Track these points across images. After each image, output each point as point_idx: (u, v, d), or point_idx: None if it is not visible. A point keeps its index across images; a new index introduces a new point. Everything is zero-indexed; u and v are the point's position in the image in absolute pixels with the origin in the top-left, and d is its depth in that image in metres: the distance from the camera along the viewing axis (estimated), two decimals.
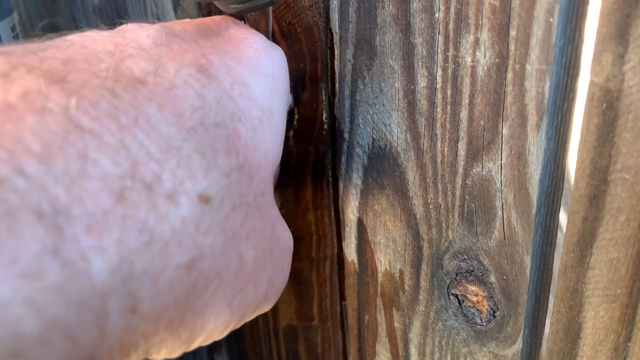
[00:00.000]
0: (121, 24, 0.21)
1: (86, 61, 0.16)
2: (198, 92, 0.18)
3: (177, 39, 0.19)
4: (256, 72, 0.21)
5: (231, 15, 0.26)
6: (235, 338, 0.49)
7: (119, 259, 0.14)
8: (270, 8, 0.28)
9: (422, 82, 0.25)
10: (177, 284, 0.16)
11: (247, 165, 0.19)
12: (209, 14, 0.34)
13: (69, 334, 0.13)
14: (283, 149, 0.34)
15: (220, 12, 0.34)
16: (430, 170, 0.27)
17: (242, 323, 0.22)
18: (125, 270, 0.14)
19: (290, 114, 0.33)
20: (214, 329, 0.19)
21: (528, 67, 0.21)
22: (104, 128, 0.15)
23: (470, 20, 0.22)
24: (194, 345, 0.20)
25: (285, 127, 0.23)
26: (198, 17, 0.36)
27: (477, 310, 0.27)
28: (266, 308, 0.22)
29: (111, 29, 0.20)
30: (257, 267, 0.20)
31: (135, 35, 0.19)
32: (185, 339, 0.18)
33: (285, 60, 0.23)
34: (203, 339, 0.20)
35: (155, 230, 0.15)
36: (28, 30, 0.56)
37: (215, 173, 0.17)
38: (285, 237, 0.22)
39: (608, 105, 0.19)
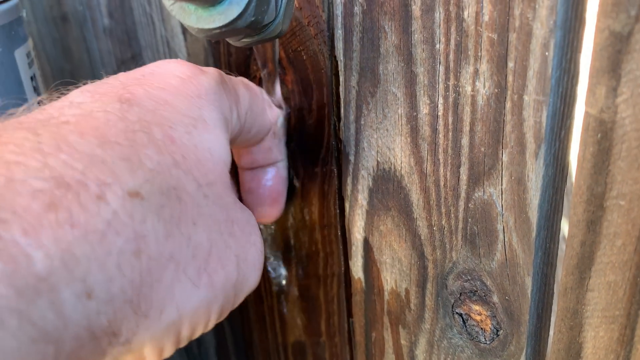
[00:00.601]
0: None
1: (18, 121, 0.19)
2: (119, 117, 0.20)
3: (105, 86, 0.22)
4: (181, 94, 0.23)
5: (240, 47, 0.27)
6: (245, 353, 0.50)
7: (59, 251, 0.16)
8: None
9: (424, 109, 0.26)
10: (128, 268, 0.18)
11: (185, 161, 0.21)
12: (217, 44, 0.35)
13: (26, 318, 0.15)
14: (292, 170, 0.35)
15: (229, 44, 0.35)
16: (433, 194, 0.27)
17: (231, 303, 0.23)
18: (68, 260, 0.17)
19: (288, 135, 0.34)
20: (194, 311, 0.21)
21: (526, 97, 0.22)
22: (29, 157, 0.18)
23: (469, 52, 0.23)
24: (184, 334, 0.21)
25: (227, 124, 0.25)
26: (206, 42, 0.37)
27: (481, 329, 0.28)
28: (250, 283, 0.24)
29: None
30: (217, 247, 0.22)
31: (69, 94, 0.22)
32: (164, 323, 0.20)
33: (218, 82, 0.25)
34: (191, 324, 0.21)
35: (89, 224, 0.17)
36: (41, 54, 0.58)
37: (141, 172, 0.19)
38: (243, 217, 0.24)
39: (603, 135, 0.20)
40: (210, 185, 0.22)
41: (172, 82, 0.24)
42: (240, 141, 0.29)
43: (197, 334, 0.22)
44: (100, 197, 0.18)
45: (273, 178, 0.33)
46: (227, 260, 0.22)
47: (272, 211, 0.34)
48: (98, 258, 0.17)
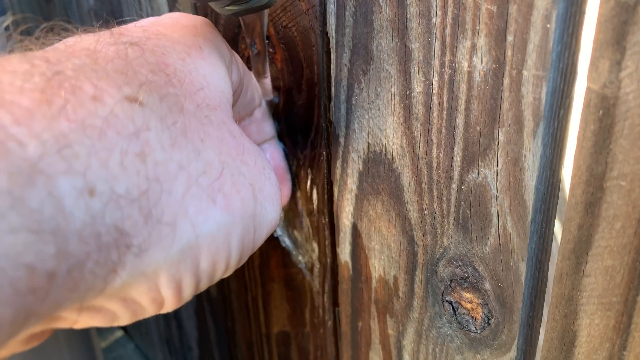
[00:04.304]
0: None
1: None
2: (110, 42, 0.20)
3: (106, 32, 0.22)
4: (174, 27, 0.24)
5: (227, 18, 0.26)
6: (228, 345, 0.49)
7: (54, 139, 0.16)
8: (266, 11, 0.27)
9: (418, 87, 0.25)
10: (133, 170, 0.18)
11: (180, 84, 0.21)
12: (205, 17, 0.34)
13: (19, 200, 0.15)
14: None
15: (217, 16, 0.34)
16: (425, 176, 0.26)
17: (251, 238, 0.22)
18: (64, 150, 0.16)
19: (277, 117, 0.33)
20: (212, 235, 0.20)
21: (525, 73, 0.21)
22: (17, 67, 0.17)
23: (467, 26, 0.22)
24: (203, 265, 0.20)
25: (225, 63, 0.25)
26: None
27: (472, 317, 0.27)
28: (270, 219, 0.23)
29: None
30: (229, 169, 0.21)
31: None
32: (179, 243, 0.19)
33: (214, 26, 0.26)
34: (210, 253, 0.20)
35: (87, 120, 0.17)
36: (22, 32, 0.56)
37: (137, 82, 0.19)
38: (253, 148, 0.24)
39: (604, 112, 0.19)
40: (211, 109, 0.22)
41: (164, 21, 0.24)
42: (239, 106, 0.28)
43: (218, 273, 0.21)
44: (96, 97, 0.18)
45: (272, 155, 0.32)
46: (242, 187, 0.22)
47: (284, 190, 0.33)
48: (98, 154, 0.17)
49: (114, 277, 0.17)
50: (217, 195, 0.20)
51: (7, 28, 0.36)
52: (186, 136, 0.20)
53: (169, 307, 0.21)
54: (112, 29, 0.22)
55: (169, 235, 0.19)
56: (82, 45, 0.20)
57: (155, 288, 0.19)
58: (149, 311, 0.20)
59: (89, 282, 0.17)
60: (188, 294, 0.21)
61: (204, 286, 0.21)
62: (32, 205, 0.15)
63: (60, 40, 0.21)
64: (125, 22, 0.47)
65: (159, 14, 0.40)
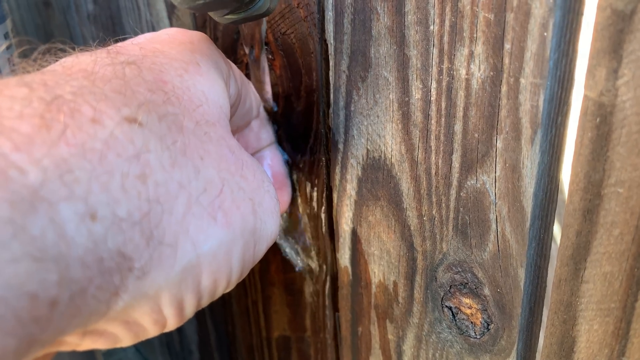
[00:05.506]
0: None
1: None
2: (107, 62, 0.20)
3: (103, 51, 0.22)
4: (171, 43, 0.24)
5: (226, 25, 0.27)
6: (228, 349, 0.49)
7: (54, 165, 0.16)
8: (265, 19, 0.28)
9: (416, 94, 0.25)
10: (134, 192, 0.17)
11: (179, 101, 0.21)
12: (203, 23, 0.34)
13: (21, 229, 0.14)
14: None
15: (215, 23, 0.34)
16: (424, 182, 0.27)
17: (251, 253, 0.22)
18: (65, 175, 0.16)
19: (276, 123, 0.33)
20: (213, 253, 0.20)
21: (522, 80, 0.21)
22: (14, 91, 0.17)
23: (464, 34, 0.22)
24: (205, 283, 0.20)
25: (223, 78, 0.25)
26: (192, 26, 0.36)
27: (471, 322, 0.27)
28: (269, 232, 0.23)
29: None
30: (229, 186, 0.21)
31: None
32: (180, 263, 0.19)
33: (210, 40, 0.26)
34: (211, 272, 0.20)
35: (86, 143, 0.17)
36: (22, 37, 0.56)
37: (135, 102, 0.19)
38: (252, 162, 0.24)
39: (602, 120, 0.19)
40: (210, 125, 0.22)
41: (161, 37, 0.24)
42: (237, 116, 0.29)
43: (220, 290, 0.21)
44: (95, 120, 0.17)
45: (272, 161, 0.32)
46: (242, 202, 0.22)
47: (283, 195, 0.33)
48: (99, 178, 0.17)
49: (116, 301, 0.17)
50: (217, 213, 0.20)
51: (7, 35, 0.37)
52: (186, 155, 0.20)
53: (171, 326, 0.20)
54: (109, 48, 0.22)
55: (170, 256, 0.18)
56: (80, 67, 0.20)
57: (157, 309, 0.19)
58: (151, 332, 0.20)
59: (92, 306, 0.16)
60: (189, 312, 0.20)
61: (205, 303, 0.21)
62: (34, 233, 0.15)
63: (57, 59, 0.21)
64: (123, 26, 0.47)
65: (157, 20, 0.40)
